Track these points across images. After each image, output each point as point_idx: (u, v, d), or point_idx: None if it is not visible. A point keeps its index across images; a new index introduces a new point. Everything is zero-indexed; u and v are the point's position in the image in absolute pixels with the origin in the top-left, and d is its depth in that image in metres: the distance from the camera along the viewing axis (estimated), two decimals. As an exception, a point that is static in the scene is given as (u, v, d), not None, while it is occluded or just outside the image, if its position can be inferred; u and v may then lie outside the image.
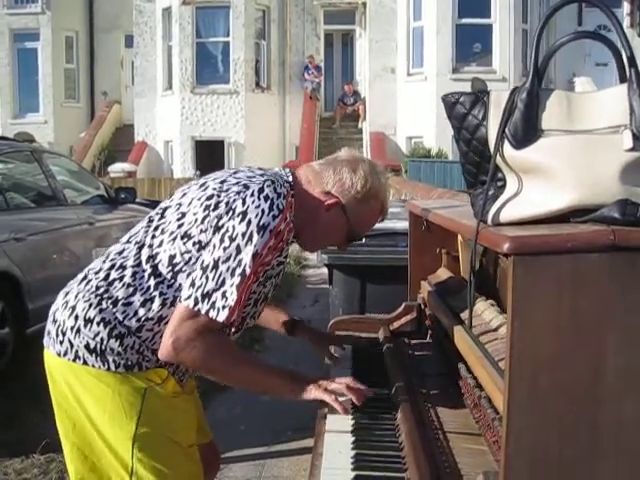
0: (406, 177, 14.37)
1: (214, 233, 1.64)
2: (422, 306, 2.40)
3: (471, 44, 15.80)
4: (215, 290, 1.60)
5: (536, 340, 1.09)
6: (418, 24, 16.15)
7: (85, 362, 1.68)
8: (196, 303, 1.60)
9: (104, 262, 1.77)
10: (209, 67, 17.44)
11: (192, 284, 1.62)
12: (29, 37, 19.06)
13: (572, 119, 1.26)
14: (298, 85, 17.66)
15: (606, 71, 14.72)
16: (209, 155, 16.65)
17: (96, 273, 1.75)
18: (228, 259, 1.61)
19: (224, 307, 1.60)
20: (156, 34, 17.73)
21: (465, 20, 15.59)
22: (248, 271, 1.60)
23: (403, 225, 3.43)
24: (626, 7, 16.51)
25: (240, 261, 1.60)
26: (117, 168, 16.28)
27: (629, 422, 1.12)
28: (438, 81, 14.88)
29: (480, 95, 1.33)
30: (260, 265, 1.64)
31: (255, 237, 1.61)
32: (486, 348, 1.45)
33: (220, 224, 1.64)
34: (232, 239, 1.61)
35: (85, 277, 1.77)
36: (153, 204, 7.15)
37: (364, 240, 3.91)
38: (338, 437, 1.59)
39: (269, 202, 1.64)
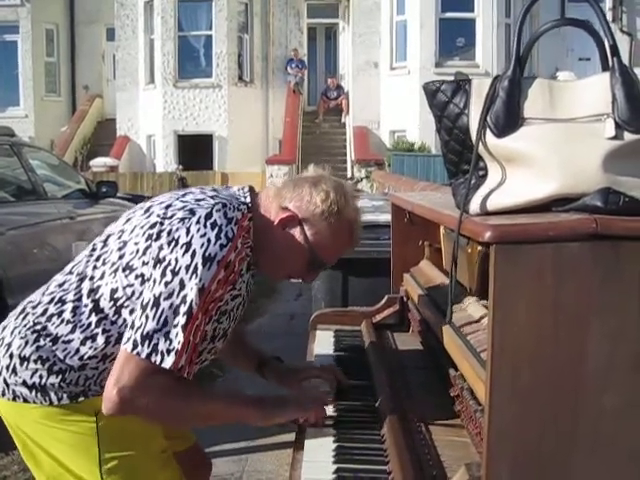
0: (389, 171, 14.39)
1: (155, 266, 1.48)
2: (405, 299, 2.39)
3: (454, 38, 15.82)
4: (156, 331, 1.43)
5: (518, 330, 1.08)
6: (401, 18, 16.13)
7: (25, 400, 1.55)
8: (135, 346, 1.43)
9: (43, 294, 1.62)
10: (191, 61, 17.32)
11: (132, 325, 1.46)
12: (8, 30, 18.79)
13: (554, 107, 1.25)
14: (281, 79, 17.60)
15: (589, 66, 14.75)
16: (192, 149, 16.57)
17: (34, 307, 1.61)
18: (171, 295, 1.43)
19: (169, 351, 1.42)
20: (138, 27, 17.58)
21: (448, 14, 15.60)
22: (195, 309, 1.43)
23: (386, 218, 3.43)
24: (608, 2, 16.58)
25: (185, 297, 1.43)
26: (99, 162, 16.14)
27: (610, 413, 1.11)
28: (421, 75, 14.85)
29: (461, 83, 1.32)
30: (211, 302, 1.47)
31: (200, 269, 1.44)
32: (468, 339, 1.44)
33: (161, 256, 1.48)
34: (175, 273, 1.44)
35: (23, 310, 1.63)
36: (135, 198, 7.12)
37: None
38: (319, 430, 1.57)
39: (216, 230, 1.48)
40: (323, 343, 2.26)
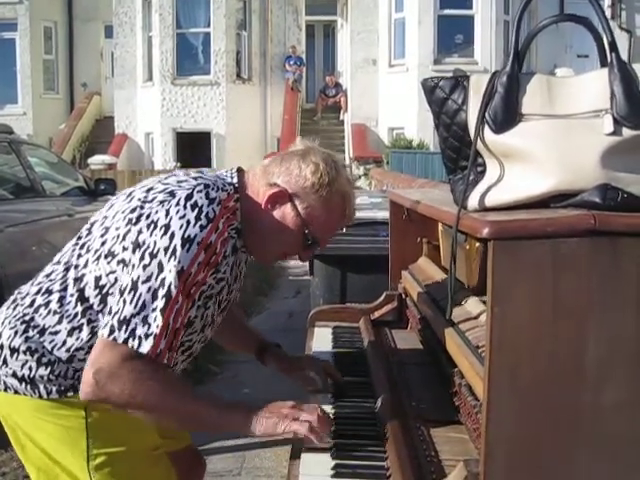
0: (388, 168, 14.38)
1: (134, 251, 1.44)
2: (403, 295, 2.39)
3: (453, 35, 15.80)
4: (134, 315, 1.39)
5: (516, 326, 1.08)
6: (400, 15, 16.12)
7: (16, 391, 1.54)
8: (112, 331, 1.39)
9: (32, 285, 1.61)
10: (190, 58, 17.29)
11: (109, 311, 1.43)
12: (7, 27, 18.71)
13: (553, 103, 1.25)
14: (279, 76, 17.59)
15: (587, 62, 14.75)
16: (190, 147, 16.56)
17: (23, 298, 1.59)
18: (149, 279, 1.40)
19: (147, 335, 1.38)
20: (136, 24, 17.55)
21: (447, 11, 15.59)
22: (174, 292, 1.39)
23: (384, 214, 3.43)
24: (607, -1, 16.60)
25: (163, 280, 1.39)
26: (97, 160, 16.12)
27: (609, 408, 1.11)
28: (420, 72, 14.84)
29: (460, 79, 1.32)
30: (192, 285, 1.43)
31: (179, 251, 1.40)
32: (466, 336, 1.44)
33: (140, 240, 1.44)
34: (153, 255, 1.41)
35: (14, 301, 1.61)
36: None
37: (344, 229, 3.90)
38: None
39: (196, 211, 1.44)
40: (321, 340, 2.26)
